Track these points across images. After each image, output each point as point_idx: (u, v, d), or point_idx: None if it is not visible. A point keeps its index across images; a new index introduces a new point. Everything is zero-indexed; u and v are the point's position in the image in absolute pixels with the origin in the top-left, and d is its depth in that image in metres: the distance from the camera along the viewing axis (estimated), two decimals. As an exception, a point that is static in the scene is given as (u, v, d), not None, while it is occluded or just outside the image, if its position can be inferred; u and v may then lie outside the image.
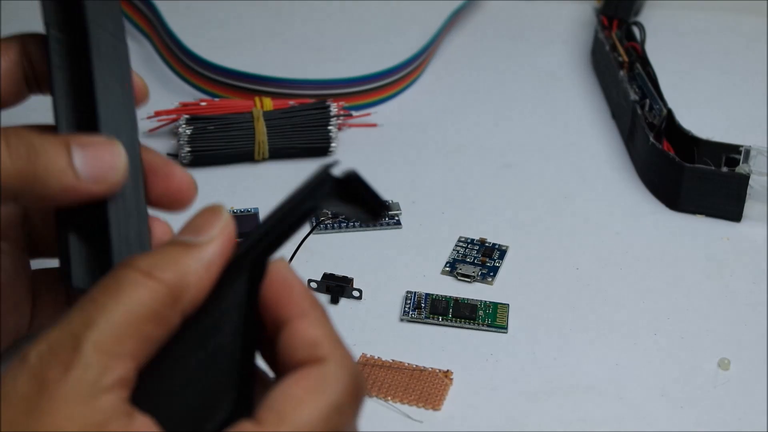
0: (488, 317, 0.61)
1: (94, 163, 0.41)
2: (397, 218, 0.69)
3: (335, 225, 0.68)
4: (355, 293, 0.62)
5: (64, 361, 0.36)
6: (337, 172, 0.41)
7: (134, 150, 0.44)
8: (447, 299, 0.62)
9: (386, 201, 0.40)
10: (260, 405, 0.38)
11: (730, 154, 0.71)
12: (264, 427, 0.37)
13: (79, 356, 0.36)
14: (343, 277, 0.63)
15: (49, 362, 0.36)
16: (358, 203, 0.41)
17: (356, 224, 0.68)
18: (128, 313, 0.37)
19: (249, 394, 0.39)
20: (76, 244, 0.42)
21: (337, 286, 0.62)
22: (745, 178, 0.69)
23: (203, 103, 0.77)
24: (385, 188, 0.72)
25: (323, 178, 0.41)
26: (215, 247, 0.40)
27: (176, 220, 0.44)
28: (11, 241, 0.48)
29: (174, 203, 0.46)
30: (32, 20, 0.49)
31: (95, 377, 0.36)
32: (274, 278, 0.40)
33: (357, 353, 0.58)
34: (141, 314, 0.37)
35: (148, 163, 0.45)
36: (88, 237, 0.42)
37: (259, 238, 0.40)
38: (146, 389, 0.38)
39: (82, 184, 0.41)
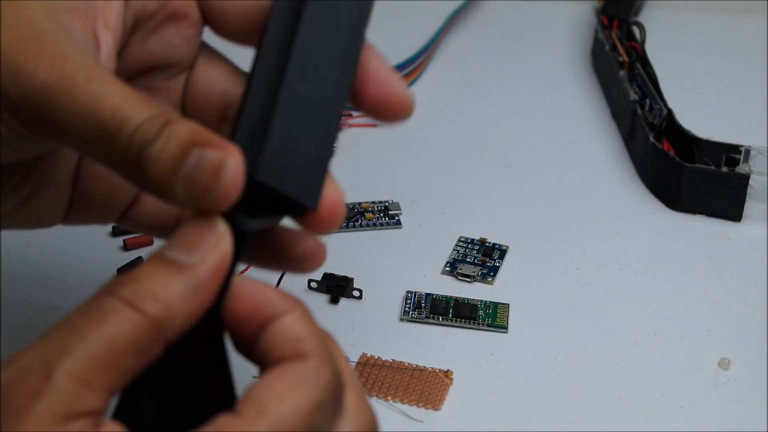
0: (488, 317, 0.61)
1: None
2: (397, 218, 0.69)
3: (335, 225, 0.68)
4: (355, 293, 0.62)
5: (33, 388, 0.34)
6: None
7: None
8: (447, 299, 0.62)
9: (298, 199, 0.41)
10: (241, 398, 0.37)
11: (730, 154, 0.71)
12: (243, 420, 0.36)
13: (50, 384, 0.34)
14: (343, 277, 0.63)
15: (16, 388, 0.35)
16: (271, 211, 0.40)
17: (356, 224, 0.68)
18: (108, 344, 0.35)
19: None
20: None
21: (337, 286, 0.62)
22: (745, 178, 0.69)
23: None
24: (385, 188, 0.72)
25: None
26: (207, 269, 0.37)
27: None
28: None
29: (388, 113, 0.44)
30: None
31: (66, 406, 0.34)
32: (239, 296, 0.39)
33: (357, 353, 0.58)
34: (121, 346, 0.35)
35: (368, 64, 0.43)
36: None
37: None
38: (126, 406, 0.37)
39: None
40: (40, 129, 0.40)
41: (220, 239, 0.38)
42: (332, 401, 0.39)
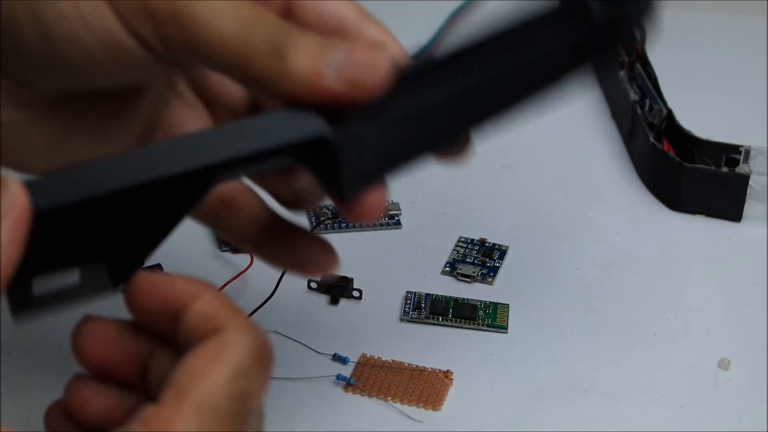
0: (488, 317, 0.61)
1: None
2: (397, 218, 0.69)
3: (335, 225, 0.68)
4: (355, 293, 0.62)
5: None
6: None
7: None
8: (447, 299, 0.62)
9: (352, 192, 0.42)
10: (162, 385, 0.37)
11: (730, 154, 0.71)
12: (165, 406, 0.36)
13: None
14: (343, 277, 0.63)
15: None
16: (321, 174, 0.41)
17: (356, 224, 0.68)
18: None
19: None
20: None
21: (337, 287, 0.62)
22: (745, 178, 0.69)
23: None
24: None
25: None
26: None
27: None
28: None
29: None
30: None
31: None
32: (145, 288, 0.39)
33: (357, 353, 0.58)
34: None
35: None
36: None
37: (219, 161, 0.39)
38: None
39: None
40: (177, 39, 0.39)
41: (14, 196, 0.36)
42: (257, 367, 0.38)
